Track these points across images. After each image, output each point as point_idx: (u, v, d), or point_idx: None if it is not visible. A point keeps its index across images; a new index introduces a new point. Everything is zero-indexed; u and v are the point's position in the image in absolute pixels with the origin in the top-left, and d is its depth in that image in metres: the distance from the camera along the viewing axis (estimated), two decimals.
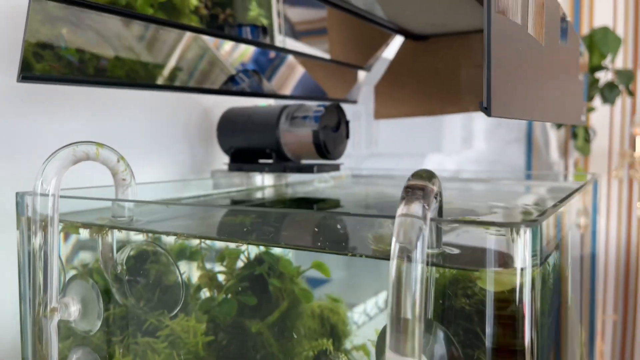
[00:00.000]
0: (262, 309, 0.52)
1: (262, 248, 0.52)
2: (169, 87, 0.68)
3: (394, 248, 0.26)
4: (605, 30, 2.14)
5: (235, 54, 0.79)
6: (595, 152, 3.00)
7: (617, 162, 2.98)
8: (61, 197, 0.39)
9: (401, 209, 0.27)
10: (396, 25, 0.80)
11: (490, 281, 0.26)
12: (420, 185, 0.27)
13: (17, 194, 0.41)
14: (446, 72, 0.86)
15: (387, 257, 0.27)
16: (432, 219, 0.27)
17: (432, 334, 0.27)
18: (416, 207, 0.26)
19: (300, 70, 0.89)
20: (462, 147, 3.54)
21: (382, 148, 2.59)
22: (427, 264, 0.26)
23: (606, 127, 2.98)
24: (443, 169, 3.55)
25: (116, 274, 0.42)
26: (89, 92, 0.64)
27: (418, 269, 0.26)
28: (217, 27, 0.71)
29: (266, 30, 0.78)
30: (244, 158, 0.76)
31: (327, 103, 0.71)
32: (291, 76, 0.88)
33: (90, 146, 0.41)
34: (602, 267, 2.74)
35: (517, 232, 0.25)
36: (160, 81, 0.67)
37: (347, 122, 0.74)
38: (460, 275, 0.29)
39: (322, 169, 0.71)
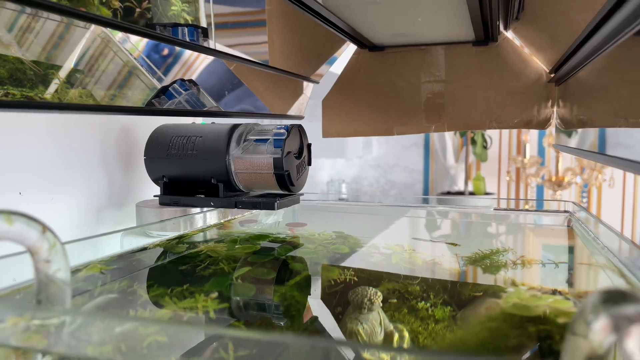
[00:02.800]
0: None
1: None
2: (80, 106, 0.51)
3: None
4: None
5: (127, 44, 0.63)
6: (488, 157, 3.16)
7: (507, 166, 3.17)
8: None
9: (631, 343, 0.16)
10: (354, 32, 0.70)
11: None
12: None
13: None
14: (405, 86, 0.77)
15: None
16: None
17: None
18: None
19: (198, 70, 0.73)
20: (363, 152, 3.56)
21: None
22: None
23: (496, 134, 3.16)
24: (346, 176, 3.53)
25: None
26: None
27: None
28: (130, 22, 0.56)
29: (194, 31, 0.64)
30: (180, 189, 0.61)
31: (286, 123, 0.59)
32: (187, 76, 0.72)
33: None
34: None
35: None
36: (55, 85, 0.51)
37: (309, 146, 0.62)
38: None
39: (284, 204, 0.59)
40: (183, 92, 0.61)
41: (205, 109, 0.63)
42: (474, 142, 2.63)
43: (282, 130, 0.57)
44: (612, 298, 0.19)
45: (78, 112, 0.53)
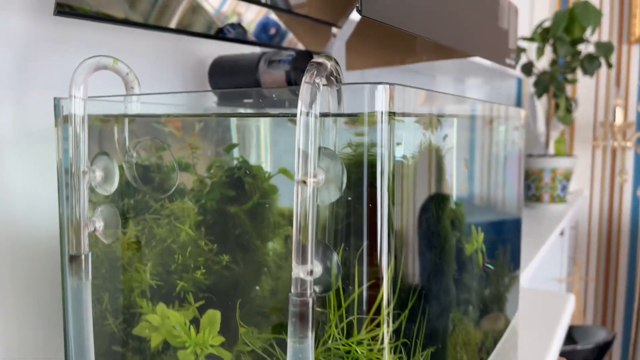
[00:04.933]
0: (239, 199, 0.67)
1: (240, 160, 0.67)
2: (168, 29, 0.82)
3: (300, 107, 0.41)
4: (585, 4, 2.26)
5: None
6: (580, 123, 3.13)
7: (600, 132, 3.11)
8: (89, 98, 0.54)
9: (305, 78, 0.41)
10: None
11: (364, 121, 0.41)
12: (320, 62, 0.42)
13: (54, 98, 0.56)
14: None
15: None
16: (324, 85, 0.41)
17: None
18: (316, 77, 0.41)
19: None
20: None
21: None
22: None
23: (591, 98, 3.10)
24: None
25: (128, 159, 0.58)
26: (102, 39, 0.79)
27: (315, 122, 0.40)
28: None
29: None
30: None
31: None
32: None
33: (108, 59, 0.56)
34: (585, 234, 2.88)
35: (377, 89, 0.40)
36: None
37: None
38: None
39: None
40: (232, 31, 0.90)
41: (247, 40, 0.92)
42: (557, 106, 2.65)
43: (293, 53, 0.84)
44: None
45: (171, 33, 0.85)
